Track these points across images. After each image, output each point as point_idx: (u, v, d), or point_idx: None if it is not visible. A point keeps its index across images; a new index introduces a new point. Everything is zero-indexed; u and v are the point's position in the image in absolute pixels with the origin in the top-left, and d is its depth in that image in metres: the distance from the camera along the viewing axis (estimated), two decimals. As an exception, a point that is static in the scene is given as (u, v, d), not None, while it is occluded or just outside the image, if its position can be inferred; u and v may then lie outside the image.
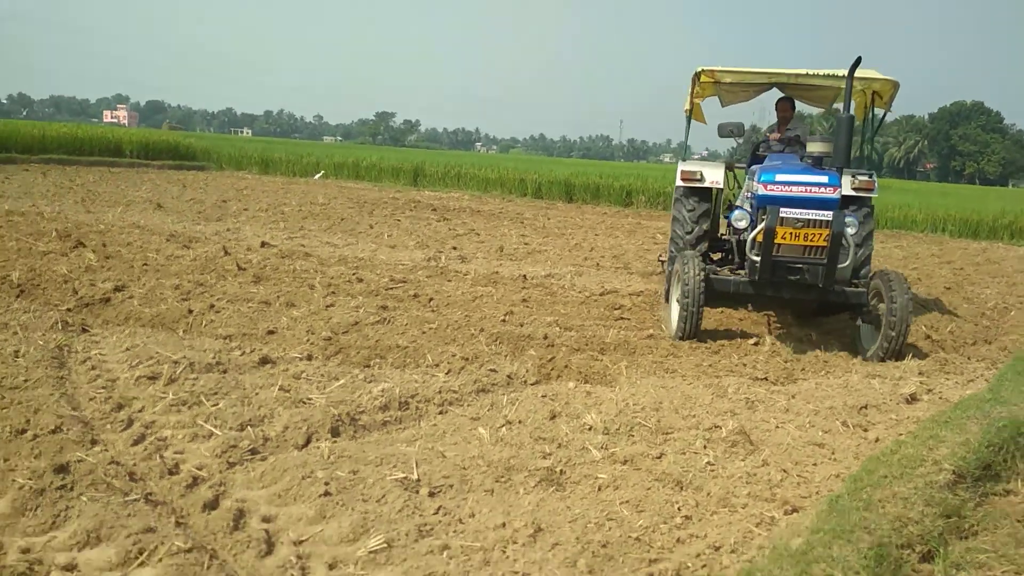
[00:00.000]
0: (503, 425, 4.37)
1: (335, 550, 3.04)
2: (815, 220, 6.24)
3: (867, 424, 4.72)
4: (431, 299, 7.60)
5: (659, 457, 4.01)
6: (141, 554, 2.91)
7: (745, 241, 6.74)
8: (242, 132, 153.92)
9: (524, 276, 9.37)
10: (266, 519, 3.27)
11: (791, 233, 6.27)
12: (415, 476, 3.58)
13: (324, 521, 3.23)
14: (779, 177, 6.40)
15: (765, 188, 6.43)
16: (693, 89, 8.30)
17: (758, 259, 6.42)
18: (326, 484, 3.45)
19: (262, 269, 8.42)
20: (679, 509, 3.45)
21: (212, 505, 3.36)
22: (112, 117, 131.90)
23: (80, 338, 5.61)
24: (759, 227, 6.40)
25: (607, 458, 3.96)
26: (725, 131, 7.70)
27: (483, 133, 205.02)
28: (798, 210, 6.26)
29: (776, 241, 6.29)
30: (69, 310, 6.27)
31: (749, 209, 6.98)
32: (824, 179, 6.32)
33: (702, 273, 6.51)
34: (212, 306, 6.63)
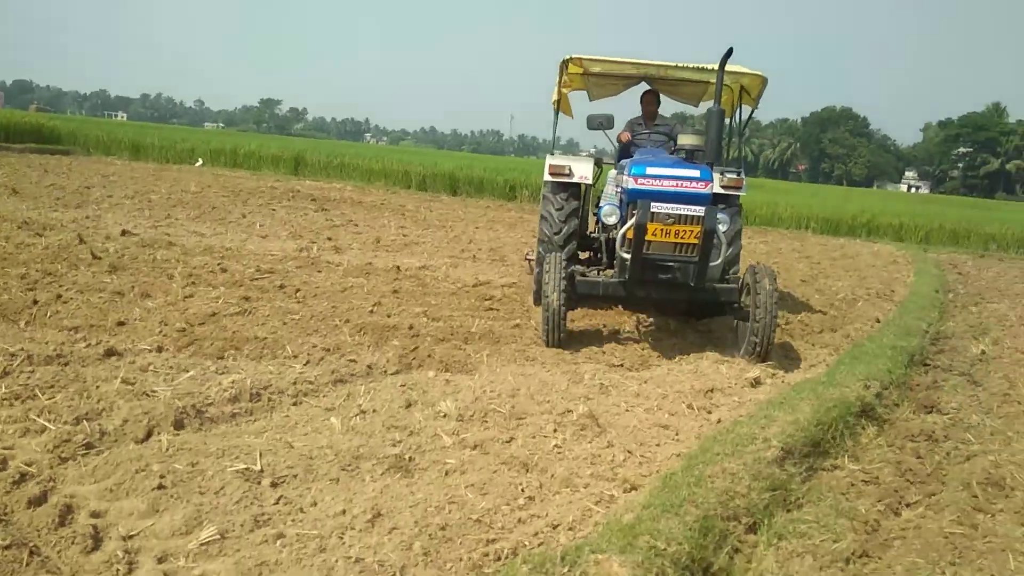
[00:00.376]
0: (357, 415, 4.35)
1: (166, 543, 2.96)
2: (687, 216, 5.95)
3: (711, 406, 4.96)
4: (298, 290, 7.46)
5: (509, 441, 4.09)
6: (-47, 554, 2.75)
7: (615, 239, 6.46)
8: (117, 116, 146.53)
9: (398, 267, 9.33)
10: (95, 514, 3.15)
11: (662, 229, 5.98)
12: (258, 467, 3.52)
13: (157, 514, 3.14)
14: (650, 170, 6.05)
15: (636, 182, 6.08)
16: (561, 79, 8.06)
17: (628, 257, 6.12)
18: (161, 477, 3.35)
19: (119, 258, 8.05)
20: (523, 491, 3.53)
21: (39, 501, 3.20)
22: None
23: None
24: (629, 223, 6.11)
25: (457, 444, 4.01)
26: (595, 123, 7.41)
27: (373, 124, 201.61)
28: (670, 205, 5.95)
29: (647, 238, 5.99)
30: None
31: (618, 204, 6.75)
32: (696, 173, 6.01)
33: (564, 281, 6.21)
34: (59, 296, 6.30)
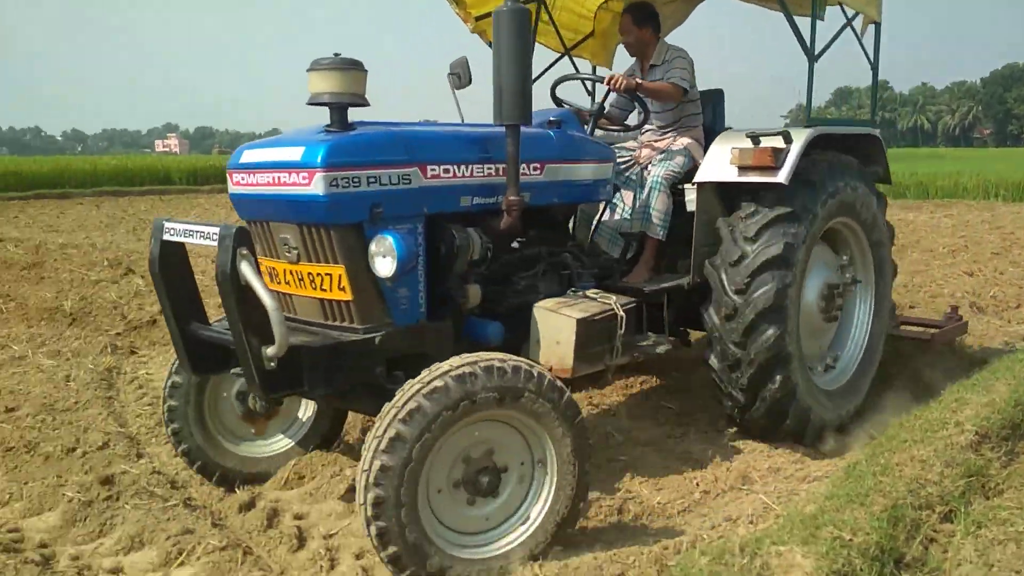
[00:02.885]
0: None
1: (363, 541, 3.14)
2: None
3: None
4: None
5: (681, 437, 4.08)
6: (180, 554, 3.09)
7: None
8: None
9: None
10: (298, 516, 3.43)
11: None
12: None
13: (352, 515, 3.36)
14: (247, 157, 3.30)
15: (232, 181, 3.35)
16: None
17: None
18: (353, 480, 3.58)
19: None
20: (697, 485, 3.51)
21: (248, 506, 3.53)
22: (164, 147, 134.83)
23: (128, 360, 5.86)
24: None
25: (628, 441, 4.04)
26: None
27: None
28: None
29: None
30: (118, 334, 6.53)
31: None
32: (294, 153, 3.07)
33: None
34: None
